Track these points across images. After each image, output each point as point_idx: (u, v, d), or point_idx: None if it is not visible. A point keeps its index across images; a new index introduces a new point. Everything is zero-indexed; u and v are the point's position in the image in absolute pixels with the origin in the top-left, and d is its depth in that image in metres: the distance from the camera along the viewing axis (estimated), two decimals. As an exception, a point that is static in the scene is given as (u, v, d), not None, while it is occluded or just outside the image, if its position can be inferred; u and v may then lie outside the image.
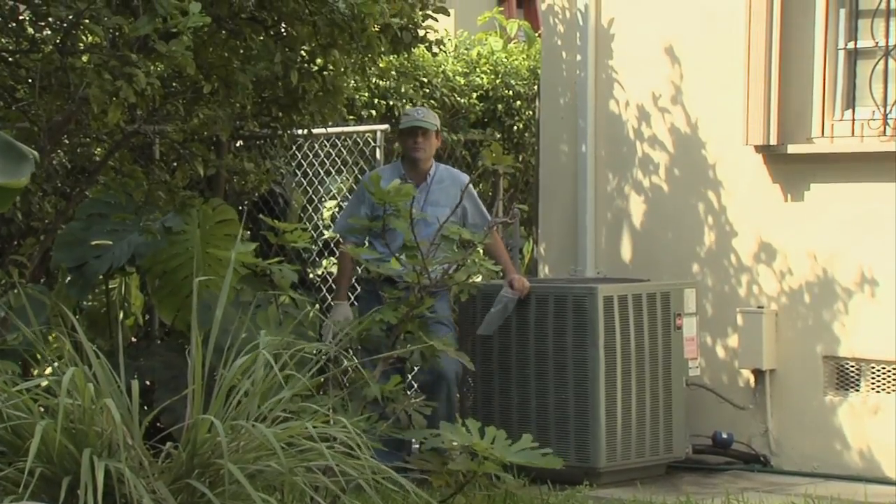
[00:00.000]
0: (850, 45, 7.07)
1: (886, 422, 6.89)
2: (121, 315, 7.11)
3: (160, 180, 7.09)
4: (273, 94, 6.95)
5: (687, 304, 7.09)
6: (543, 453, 5.62)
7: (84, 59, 6.07)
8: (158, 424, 5.19)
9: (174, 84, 6.79)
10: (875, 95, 6.95)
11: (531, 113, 9.19)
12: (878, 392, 6.96)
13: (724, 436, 7.22)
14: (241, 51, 6.63)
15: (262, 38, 6.55)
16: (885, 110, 6.92)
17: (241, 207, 7.92)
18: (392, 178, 6.64)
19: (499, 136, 9.20)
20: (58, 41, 6.06)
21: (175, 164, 7.48)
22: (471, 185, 6.83)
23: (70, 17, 5.90)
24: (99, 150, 7.29)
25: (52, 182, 6.99)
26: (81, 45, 6.29)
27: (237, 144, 8.02)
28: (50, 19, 6.14)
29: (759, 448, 7.23)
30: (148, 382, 6.50)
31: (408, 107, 7.51)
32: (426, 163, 6.87)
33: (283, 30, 6.65)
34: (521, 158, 9.14)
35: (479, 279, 6.78)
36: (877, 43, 6.96)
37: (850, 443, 6.98)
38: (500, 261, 6.91)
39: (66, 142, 7.05)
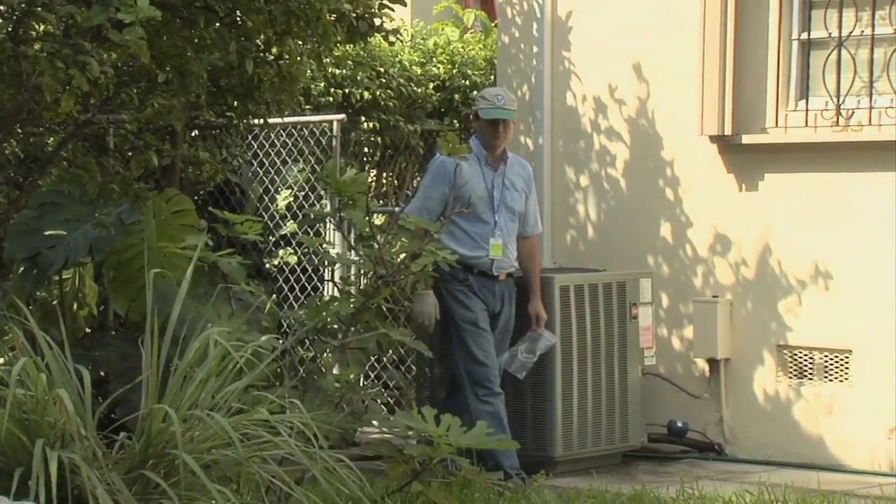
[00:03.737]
0: (804, 35, 7.14)
1: (839, 410, 6.97)
2: (75, 306, 7.07)
3: (114, 172, 7.05)
4: (228, 83, 6.93)
5: (643, 293, 7.14)
6: (498, 438, 5.66)
7: (36, 47, 6.03)
8: (113, 415, 5.17)
9: (128, 73, 6.76)
10: (828, 86, 7.02)
11: (488, 103, 9.18)
12: (830, 381, 7.04)
13: (679, 424, 7.28)
14: (196, 40, 6.60)
15: (216, 26, 6.53)
16: (838, 101, 6.99)
17: (196, 198, 7.90)
18: (472, 161, 6.55)
19: (456, 126, 9.21)
20: (10, 29, 6.01)
21: (129, 154, 7.45)
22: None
23: (22, 4, 5.86)
24: (52, 139, 7.25)
25: (4, 172, 6.94)
26: (34, 33, 6.24)
27: (192, 134, 8.00)
28: (1, 7, 6.09)
29: (714, 436, 7.29)
30: (102, 373, 6.47)
31: (486, 89, 7.21)
32: (503, 148, 6.67)
33: (238, 18, 6.63)
34: (478, 149, 9.14)
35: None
36: (830, 33, 7.02)
37: (804, 431, 7.06)
38: (529, 277, 6.70)
39: (19, 131, 7.00)
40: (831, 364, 7.04)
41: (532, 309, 6.70)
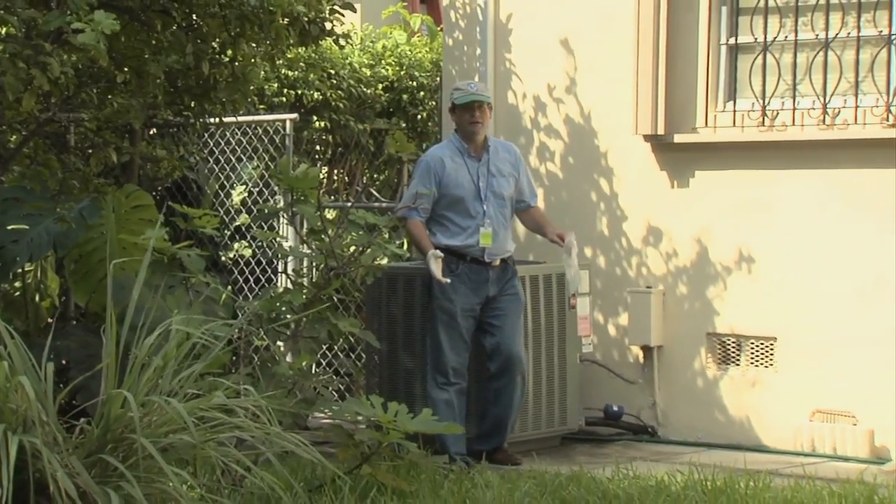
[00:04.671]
0: (732, 40, 7.21)
1: (763, 394, 7.06)
2: (37, 297, 7.02)
3: (74, 169, 7.00)
4: (185, 83, 6.90)
5: (581, 284, 7.18)
6: (444, 424, 5.68)
7: (-1, 48, 5.98)
8: (74, 402, 5.14)
9: (88, 73, 6.72)
10: (754, 88, 7.10)
11: (434, 103, 9.22)
12: (756, 366, 7.13)
13: (615, 408, 7.33)
14: (153, 42, 6.57)
15: (173, 29, 6.50)
16: (763, 102, 7.07)
17: (154, 193, 7.86)
18: (453, 155, 6.51)
19: (403, 125, 9.23)
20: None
21: (90, 151, 7.40)
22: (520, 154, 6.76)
23: (-15, 7, 5.80)
24: (14, 137, 7.18)
25: (-32, 169, 6.86)
26: (-4, 35, 6.19)
27: (151, 132, 7.95)
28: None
29: (648, 420, 7.35)
30: (64, 362, 6.42)
31: (458, 81, 7.17)
32: (483, 135, 6.56)
33: (194, 22, 6.61)
34: (424, 146, 9.17)
35: (384, 261, 6.79)
36: (756, 39, 7.10)
37: (731, 414, 7.14)
38: (541, 228, 6.69)
39: (-18, 129, 6.93)
40: (757, 350, 7.12)
41: (553, 234, 6.58)
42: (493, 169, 6.57)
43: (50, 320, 7.23)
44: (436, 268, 6.35)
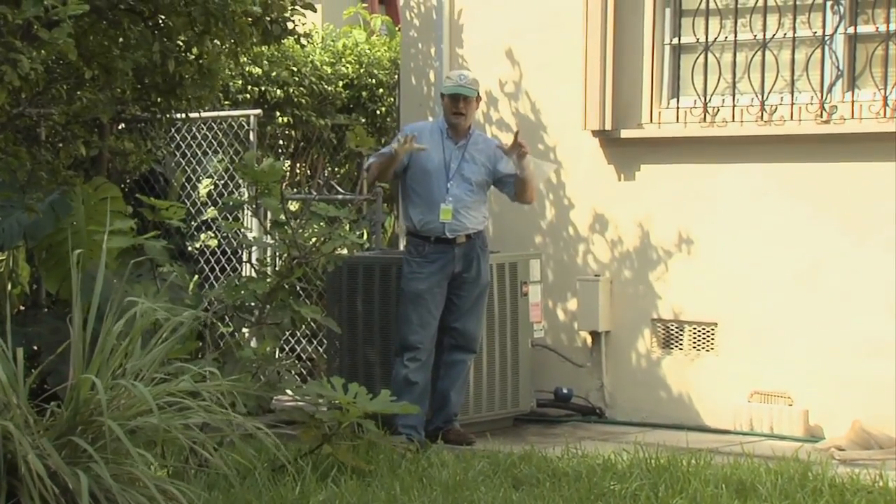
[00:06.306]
0: (675, 40, 7.24)
1: (704, 376, 7.10)
2: (9, 285, 6.94)
3: (44, 161, 6.92)
4: (152, 80, 6.84)
5: (532, 273, 7.19)
6: (401, 404, 5.67)
7: (-30, 45, 5.88)
8: (45, 386, 5.09)
9: (57, 70, 6.64)
10: (696, 86, 7.13)
11: (392, 100, 9.19)
12: (697, 350, 7.17)
13: (565, 391, 7.35)
14: (121, 40, 6.50)
15: (140, 27, 6.43)
16: (704, 99, 7.10)
17: (123, 186, 7.79)
18: (434, 133, 6.59)
19: (363, 120, 9.20)
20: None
21: (60, 145, 7.32)
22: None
23: (-44, 5, 5.71)
24: (-14, 131, 7.08)
25: (-60, 161, 6.76)
26: (-33, 31, 6.09)
27: (119, 127, 7.88)
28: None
29: (596, 401, 7.38)
30: (35, 347, 6.36)
31: (452, 70, 7.22)
32: (466, 123, 6.61)
33: (160, 20, 6.54)
34: (383, 141, 9.14)
35: (345, 251, 6.77)
36: (698, 39, 7.13)
37: (674, 395, 7.18)
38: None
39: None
40: (699, 335, 7.16)
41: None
42: (467, 155, 6.61)
43: (21, 307, 7.16)
44: (405, 143, 6.40)
